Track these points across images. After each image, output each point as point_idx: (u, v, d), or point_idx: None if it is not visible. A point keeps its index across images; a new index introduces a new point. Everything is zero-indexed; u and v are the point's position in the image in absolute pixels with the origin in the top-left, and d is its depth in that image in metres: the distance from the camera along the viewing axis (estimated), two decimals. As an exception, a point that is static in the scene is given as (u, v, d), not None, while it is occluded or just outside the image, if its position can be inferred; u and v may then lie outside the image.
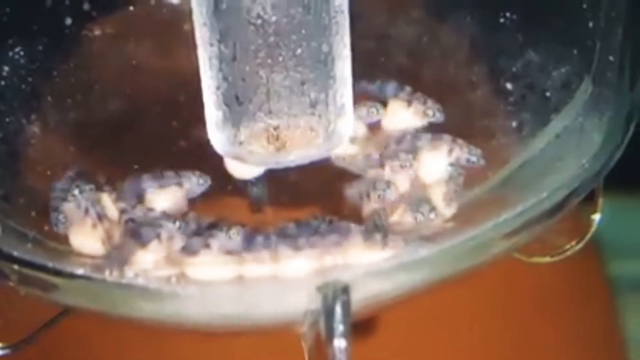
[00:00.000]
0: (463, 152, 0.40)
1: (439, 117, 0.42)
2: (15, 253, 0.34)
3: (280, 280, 0.34)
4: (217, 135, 0.39)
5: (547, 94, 0.43)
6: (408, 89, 0.42)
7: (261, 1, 0.36)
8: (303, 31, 0.37)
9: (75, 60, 0.46)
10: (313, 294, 0.32)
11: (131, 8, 0.47)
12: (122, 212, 0.38)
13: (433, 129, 0.41)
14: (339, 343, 0.30)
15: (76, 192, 0.38)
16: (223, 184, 0.40)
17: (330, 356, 0.31)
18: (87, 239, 0.37)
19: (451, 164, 0.40)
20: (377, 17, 0.47)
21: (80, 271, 0.34)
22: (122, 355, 0.49)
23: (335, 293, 0.32)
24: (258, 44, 0.37)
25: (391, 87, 0.42)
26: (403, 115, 0.42)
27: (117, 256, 0.36)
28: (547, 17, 0.43)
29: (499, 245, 0.35)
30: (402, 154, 0.40)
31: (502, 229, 0.35)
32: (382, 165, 0.40)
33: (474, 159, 0.40)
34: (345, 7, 0.37)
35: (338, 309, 0.31)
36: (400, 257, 0.34)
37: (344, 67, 0.38)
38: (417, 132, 0.41)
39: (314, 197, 0.40)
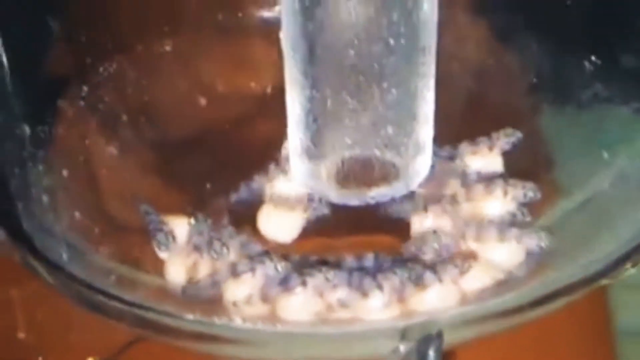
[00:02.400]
0: (518, 190, 0.41)
1: None
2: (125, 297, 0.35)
3: (371, 321, 0.36)
4: (301, 170, 0.40)
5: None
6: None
7: (354, 47, 0.36)
8: (390, 73, 0.37)
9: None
10: (406, 336, 0.34)
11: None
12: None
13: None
14: None
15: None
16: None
17: None
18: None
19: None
20: None
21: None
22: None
23: (430, 337, 0.34)
24: (344, 79, 0.37)
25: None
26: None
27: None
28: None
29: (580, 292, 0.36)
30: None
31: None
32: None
33: (530, 193, 0.41)
34: (433, 50, 0.38)
35: (431, 353, 0.33)
36: (488, 305, 0.35)
37: (427, 107, 0.39)
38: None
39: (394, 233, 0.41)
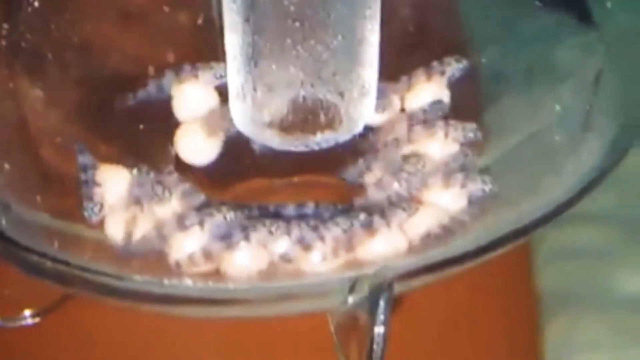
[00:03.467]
0: (458, 131, 0.41)
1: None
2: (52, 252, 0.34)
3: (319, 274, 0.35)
4: (241, 115, 0.38)
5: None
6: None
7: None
8: (333, 15, 0.36)
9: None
10: (355, 288, 0.34)
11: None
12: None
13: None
14: (379, 330, 0.33)
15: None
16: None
17: (369, 340, 0.33)
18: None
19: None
20: None
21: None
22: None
23: (380, 288, 0.33)
24: (288, 25, 0.36)
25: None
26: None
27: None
28: None
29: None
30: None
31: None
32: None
33: (471, 135, 0.41)
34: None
35: (382, 303, 0.33)
36: (441, 254, 0.35)
37: (371, 51, 0.38)
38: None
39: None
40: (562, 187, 0.38)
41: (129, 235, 0.37)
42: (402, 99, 0.42)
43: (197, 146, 0.41)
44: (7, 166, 0.38)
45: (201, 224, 0.36)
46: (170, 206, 0.38)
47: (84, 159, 0.39)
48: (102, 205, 0.37)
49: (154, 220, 0.37)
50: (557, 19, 0.43)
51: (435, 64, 0.42)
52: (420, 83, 0.42)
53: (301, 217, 0.38)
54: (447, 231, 0.38)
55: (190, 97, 0.41)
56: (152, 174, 0.38)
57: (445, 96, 0.42)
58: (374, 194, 0.38)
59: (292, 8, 0.35)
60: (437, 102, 0.42)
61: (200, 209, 0.37)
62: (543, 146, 0.41)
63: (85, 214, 0.37)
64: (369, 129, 0.40)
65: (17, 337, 0.42)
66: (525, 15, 0.44)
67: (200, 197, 0.37)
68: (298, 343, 0.44)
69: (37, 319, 0.39)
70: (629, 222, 0.63)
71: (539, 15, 0.44)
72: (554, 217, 0.37)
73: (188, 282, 0.33)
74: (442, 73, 0.42)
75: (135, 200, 0.37)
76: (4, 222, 0.35)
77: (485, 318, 0.50)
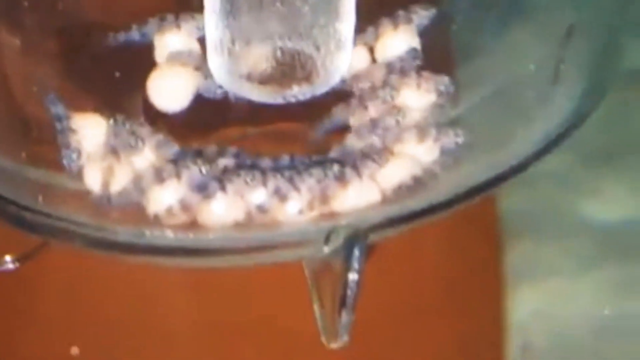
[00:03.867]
0: (430, 83, 0.41)
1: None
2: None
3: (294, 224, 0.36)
4: (219, 68, 0.39)
5: None
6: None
7: None
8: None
9: None
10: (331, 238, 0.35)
11: None
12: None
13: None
14: (353, 277, 0.34)
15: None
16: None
17: (343, 286, 0.35)
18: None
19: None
20: None
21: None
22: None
23: (355, 238, 0.34)
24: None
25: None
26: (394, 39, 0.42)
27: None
28: None
29: None
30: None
31: None
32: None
33: (442, 88, 0.41)
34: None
35: (357, 251, 0.34)
36: (414, 205, 0.36)
37: (349, 4, 0.38)
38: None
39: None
40: (530, 140, 0.39)
41: (106, 185, 0.37)
42: (371, 50, 0.43)
43: (170, 91, 0.41)
44: None
45: (178, 175, 0.37)
46: (145, 157, 0.38)
47: (57, 109, 0.39)
48: (80, 152, 0.38)
49: (131, 171, 0.37)
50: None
51: (401, 12, 0.43)
52: (387, 32, 0.42)
53: (277, 168, 0.39)
54: (419, 182, 0.39)
55: (173, 47, 0.41)
56: (127, 124, 0.38)
57: (416, 44, 0.43)
58: (350, 145, 0.39)
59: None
60: (412, 50, 0.42)
61: (176, 160, 0.37)
62: (514, 99, 0.42)
63: (65, 162, 0.38)
64: (344, 80, 0.41)
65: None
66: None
67: (174, 148, 0.38)
68: (271, 286, 0.45)
69: (17, 264, 0.40)
70: (588, 148, 0.65)
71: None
72: (521, 170, 0.38)
73: (170, 234, 0.34)
74: (409, 21, 0.43)
75: (112, 150, 0.38)
76: None
77: (451, 256, 0.51)
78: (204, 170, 0.37)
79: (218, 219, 0.36)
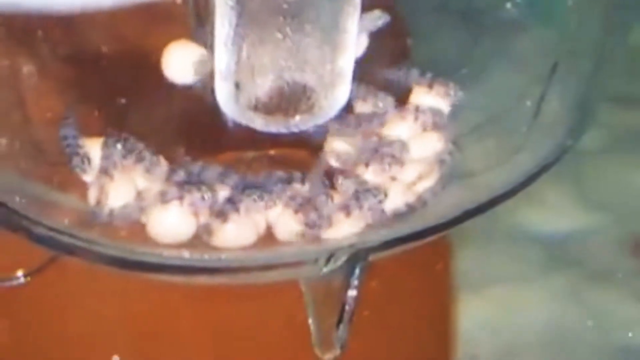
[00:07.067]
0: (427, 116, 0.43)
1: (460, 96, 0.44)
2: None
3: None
4: (226, 98, 0.41)
5: None
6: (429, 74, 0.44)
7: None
8: (317, 10, 0.39)
9: None
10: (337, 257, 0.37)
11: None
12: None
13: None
14: (352, 293, 0.37)
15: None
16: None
17: (342, 302, 0.37)
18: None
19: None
20: None
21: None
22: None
23: (359, 257, 0.37)
24: (274, 18, 0.39)
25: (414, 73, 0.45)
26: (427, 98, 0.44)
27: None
28: None
29: None
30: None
31: None
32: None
33: (437, 119, 0.43)
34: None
35: (357, 270, 0.37)
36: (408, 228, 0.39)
37: (349, 39, 0.41)
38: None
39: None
40: (517, 170, 0.42)
41: (99, 203, 0.39)
42: None
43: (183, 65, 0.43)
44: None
45: (181, 198, 0.39)
46: (137, 177, 0.40)
47: (67, 131, 0.41)
48: (89, 159, 0.40)
49: (130, 191, 0.39)
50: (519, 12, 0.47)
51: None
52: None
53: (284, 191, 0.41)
54: (412, 208, 0.41)
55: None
56: (119, 145, 0.40)
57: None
58: (348, 172, 0.42)
59: (284, 6, 0.38)
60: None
61: (181, 184, 0.39)
62: (499, 131, 0.44)
63: (77, 170, 0.40)
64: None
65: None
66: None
67: (164, 168, 0.40)
68: (268, 297, 0.47)
69: (28, 279, 0.42)
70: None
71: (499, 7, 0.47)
72: (499, 202, 0.41)
73: (185, 254, 0.36)
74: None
75: (104, 170, 0.40)
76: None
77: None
78: (206, 197, 0.39)
79: (230, 240, 0.38)
